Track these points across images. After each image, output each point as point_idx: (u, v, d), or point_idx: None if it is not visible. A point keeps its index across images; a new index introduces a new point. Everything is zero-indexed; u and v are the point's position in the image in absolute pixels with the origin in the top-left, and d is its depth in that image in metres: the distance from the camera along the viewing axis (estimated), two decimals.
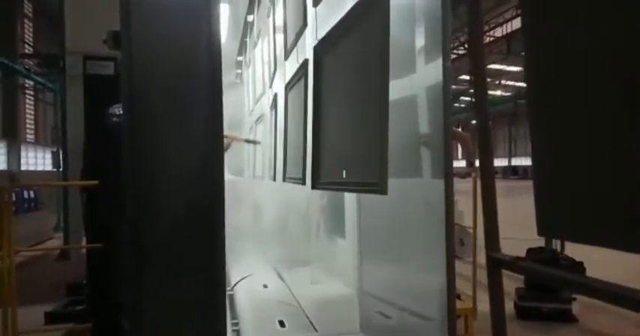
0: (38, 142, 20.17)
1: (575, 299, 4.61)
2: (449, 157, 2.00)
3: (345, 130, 1.92)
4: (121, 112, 3.29)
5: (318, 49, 2.26)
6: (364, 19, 1.66)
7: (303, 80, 2.61)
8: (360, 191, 1.77)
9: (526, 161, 40.20)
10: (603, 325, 4.42)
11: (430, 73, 2.07)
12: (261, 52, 5.07)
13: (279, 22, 3.39)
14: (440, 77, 1.97)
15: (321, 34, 2.26)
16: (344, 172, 1.86)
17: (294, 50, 2.80)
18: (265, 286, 4.41)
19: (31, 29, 20.11)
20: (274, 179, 3.88)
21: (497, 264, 1.40)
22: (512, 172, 39.53)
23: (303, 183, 2.58)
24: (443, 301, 2.07)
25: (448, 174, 2.02)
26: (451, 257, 2.05)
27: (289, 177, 3.08)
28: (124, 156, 2.13)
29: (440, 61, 1.97)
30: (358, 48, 1.74)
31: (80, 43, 6.72)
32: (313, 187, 2.32)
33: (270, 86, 4.27)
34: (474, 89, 1.50)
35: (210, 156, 1.98)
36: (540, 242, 5.20)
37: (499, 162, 44.82)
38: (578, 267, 5.10)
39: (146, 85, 2.10)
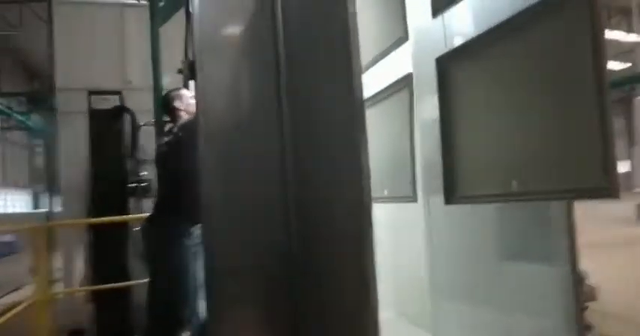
0: (6, 184, 19.29)
1: None
2: None
3: (521, 136, 1.83)
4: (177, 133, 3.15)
5: (447, 59, 2.21)
6: (555, 14, 1.61)
7: (406, 93, 2.56)
8: (559, 199, 1.65)
9: None
10: None
11: None
12: None
13: None
14: None
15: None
16: (513, 182, 1.77)
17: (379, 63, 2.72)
18: None
19: None
20: None
21: None
22: None
23: (414, 200, 2.46)
24: None
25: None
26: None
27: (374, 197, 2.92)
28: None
29: None
30: (554, 42, 1.67)
31: (68, 80, 6.50)
32: (449, 202, 2.20)
33: None
34: None
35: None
36: None
37: None
38: None
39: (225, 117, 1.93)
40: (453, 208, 2.43)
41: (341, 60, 1.91)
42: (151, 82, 5.29)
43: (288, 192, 1.80)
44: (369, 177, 1.84)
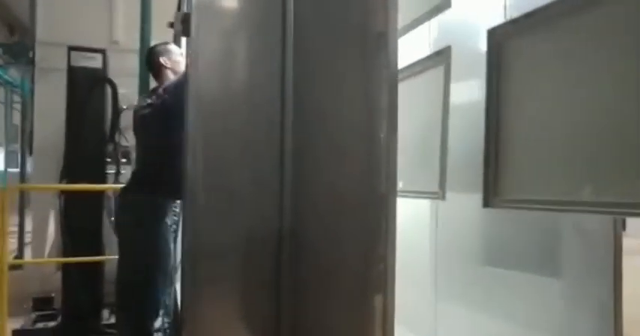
0: None
1: None
2: None
3: (601, 129, 1.49)
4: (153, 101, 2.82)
5: (503, 31, 1.87)
6: None
7: (441, 69, 2.23)
8: None
9: None
10: None
11: None
12: None
13: None
14: None
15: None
16: (587, 187, 1.45)
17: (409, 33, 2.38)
18: None
19: None
20: None
21: None
22: None
23: (441, 197, 2.16)
24: None
25: None
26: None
27: None
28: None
29: None
30: None
31: (52, 34, 6.10)
32: (490, 205, 1.86)
33: None
34: None
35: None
36: None
37: None
38: None
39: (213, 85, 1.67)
40: (466, 205, 2.17)
41: (368, 22, 1.70)
42: (138, 44, 4.85)
43: (285, 173, 1.61)
44: (393, 169, 1.65)
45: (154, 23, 4.75)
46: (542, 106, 1.70)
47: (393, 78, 1.69)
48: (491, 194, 1.86)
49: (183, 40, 3.14)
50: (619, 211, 1.39)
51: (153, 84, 3.59)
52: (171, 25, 2.95)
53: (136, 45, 4.98)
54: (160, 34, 4.28)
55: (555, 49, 1.64)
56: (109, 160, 5.00)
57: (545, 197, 1.66)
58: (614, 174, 1.42)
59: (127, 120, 5.22)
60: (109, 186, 4.76)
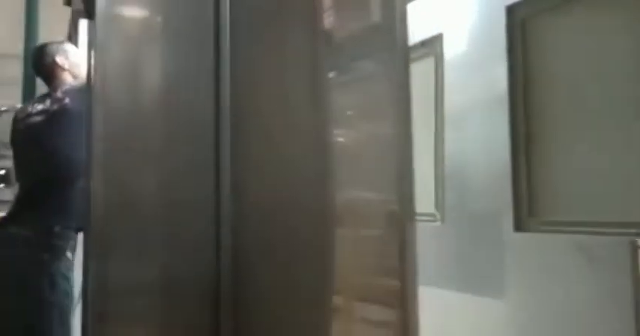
0: None
1: None
2: None
3: None
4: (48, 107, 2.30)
5: (531, 7, 1.49)
6: None
7: (430, 62, 1.84)
8: None
9: None
10: None
11: None
12: None
13: None
14: None
15: None
16: None
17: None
18: None
19: None
20: None
21: None
22: None
23: (441, 219, 1.75)
24: None
25: None
26: None
27: None
28: None
29: None
30: None
31: None
32: (524, 228, 1.44)
33: None
34: None
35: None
36: None
37: None
38: None
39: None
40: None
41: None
42: (18, 51, 4.28)
43: (222, 198, 1.25)
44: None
45: (43, 25, 4.21)
46: (588, 97, 1.38)
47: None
48: (525, 214, 1.50)
49: (83, 29, 2.60)
50: None
51: (41, 91, 3.07)
52: (69, 1, 2.43)
53: (18, 49, 4.37)
54: (49, 37, 3.78)
55: (600, 25, 1.34)
56: None
57: (599, 218, 1.31)
58: None
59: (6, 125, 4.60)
60: None
